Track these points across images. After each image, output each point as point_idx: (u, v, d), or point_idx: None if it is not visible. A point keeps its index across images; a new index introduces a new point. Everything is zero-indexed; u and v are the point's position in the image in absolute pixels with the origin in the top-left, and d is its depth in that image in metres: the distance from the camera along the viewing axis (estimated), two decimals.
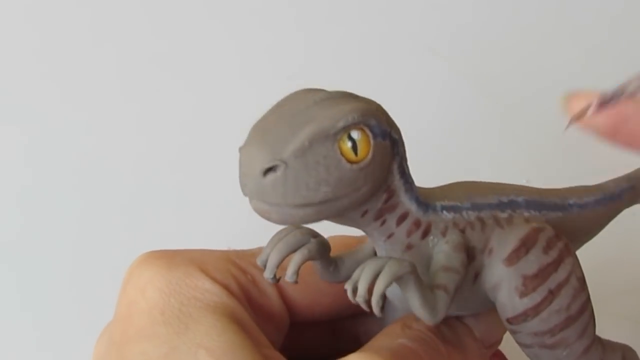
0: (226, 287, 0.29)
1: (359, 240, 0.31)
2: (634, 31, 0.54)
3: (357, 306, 0.32)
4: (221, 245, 0.32)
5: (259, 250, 0.31)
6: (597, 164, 0.37)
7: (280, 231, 0.28)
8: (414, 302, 0.26)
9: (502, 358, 0.34)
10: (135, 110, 0.51)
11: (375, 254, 0.29)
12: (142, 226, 0.46)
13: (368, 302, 0.25)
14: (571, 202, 0.31)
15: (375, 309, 0.25)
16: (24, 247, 0.46)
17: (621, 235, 0.36)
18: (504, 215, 0.29)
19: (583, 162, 0.39)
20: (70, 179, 0.48)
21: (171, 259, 0.29)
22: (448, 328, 0.30)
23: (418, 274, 0.26)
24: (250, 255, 0.31)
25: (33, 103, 0.51)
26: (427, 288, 0.26)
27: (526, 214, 0.29)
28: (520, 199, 0.30)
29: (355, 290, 0.25)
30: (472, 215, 0.28)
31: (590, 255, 0.32)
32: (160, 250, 0.30)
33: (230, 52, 0.54)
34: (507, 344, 0.32)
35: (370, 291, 0.25)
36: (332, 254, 0.29)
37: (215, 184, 0.47)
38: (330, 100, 0.26)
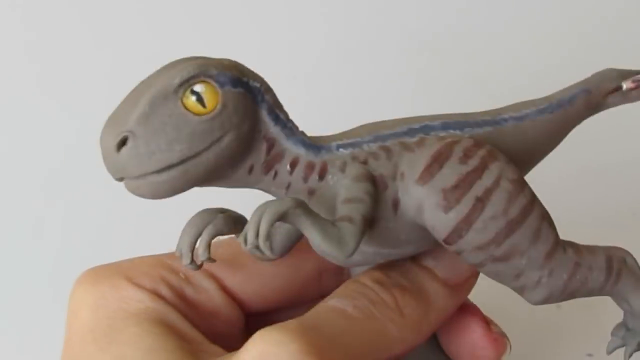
0: (154, 292, 0.29)
1: None
2: (635, 29, 0.53)
3: (323, 283, 0.31)
4: None
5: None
6: (597, 164, 0.37)
7: (190, 219, 0.28)
8: (313, 239, 0.25)
9: (477, 312, 0.32)
10: None
11: None
12: (140, 228, 0.47)
13: (258, 247, 0.25)
14: (505, 116, 0.30)
15: (264, 250, 0.25)
16: (24, 247, 0.46)
17: (621, 235, 0.36)
18: (413, 139, 0.28)
19: (583, 162, 0.39)
20: (66, 180, 0.49)
21: (98, 274, 0.29)
22: (400, 274, 0.29)
23: (308, 209, 0.25)
24: None
25: (30, 103, 0.52)
26: (325, 221, 0.25)
27: (442, 134, 0.28)
28: (436, 122, 0.28)
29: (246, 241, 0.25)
30: (373, 146, 0.28)
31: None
32: (92, 268, 0.30)
33: (229, 52, 0.53)
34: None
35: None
36: None
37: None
38: (168, 66, 0.26)
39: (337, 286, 0.30)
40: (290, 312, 0.31)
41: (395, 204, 0.27)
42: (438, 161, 0.27)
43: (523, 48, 0.54)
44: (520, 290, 0.28)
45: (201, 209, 0.28)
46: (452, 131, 0.28)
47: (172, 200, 0.24)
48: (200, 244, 0.27)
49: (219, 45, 0.54)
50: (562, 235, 0.28)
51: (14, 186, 0.49)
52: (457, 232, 0.27)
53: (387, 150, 0.28)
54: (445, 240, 0.27)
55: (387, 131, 0.28)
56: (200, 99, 0.25)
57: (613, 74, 0.31)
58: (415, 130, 0.28)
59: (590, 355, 0.39)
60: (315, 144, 0.27)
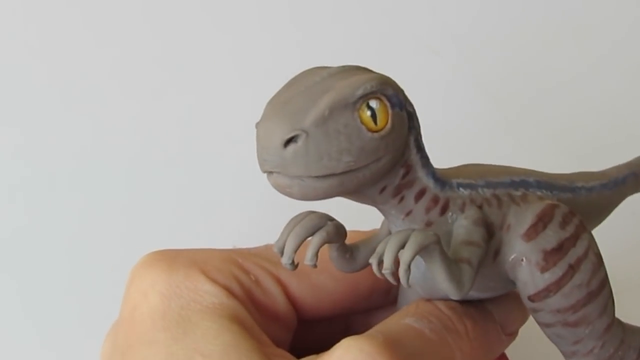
0: (227, 289, 0.29)
1: (370, 233, 0.30)
2: (638, 32, 0.54)
3: (371, 301, 0.32)
4: (227, 244, 0.32)
5: (264, 249, 0.31)
6: (597, 164, 0.37)
7: (295, 217, 0.27)
8: (440, 275, 0.26)
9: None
10: (137, 111, 0.51)
11: None
12: (146, 226, 0.46)
13: (395, 274, 0.25)
14: (579, 185, 0.31)
15: (403, 279, 0.25)
16: (26, 247, 0.46)
17: (621, 235, 0.36)
18: (517, 193, 0.29)
19: (583, 162, 0.39)
20: (72, 180, 0.48)
21: (173, 260, 0.29)
22: (470, 306, 0.30)
23: (442, 246, 0.26)
24: (254, 255, 0.31)
25: (31, 103, 0.51)
26: (452, 261, 0.26)
27: (539, 193, 0.29)
28: (531, 179, 0.30)
29: (380, 264, 0.25)
30: (487, 192, 0.28)
31: (612, 247, 0.32)
32: (163, 251, 0.30)
33: (230, 52, 0.54)
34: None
35: (397, 263, 0.25)
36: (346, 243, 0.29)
37: (220, 183, 0.48)
38: (345, 72, 0.26)
39: (384, 304, 0.32)
40: (333, 324, 0.32)
41: (496, 253, 0.28)
42: (542, 221, 0.28)
43: (525, 50, 0.53)
44: (569, 355, 0.30)
45: (308, 210, 0.28)
46: (544, 191, 0.30)
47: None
48: (310, 249, 0.27)
49: (220, 44, 0.54)
50: None
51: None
52: (546, 292, 0.28)
53: (498, 199, 0.28)
54: (530, 297, 0.28)
55: (495, 179, 0.29)
56: (374, 115, 0.25)
57: None
58: (517, 183, 0.29)
59: None
60: (441, 179, 0.28)
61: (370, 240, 0.30)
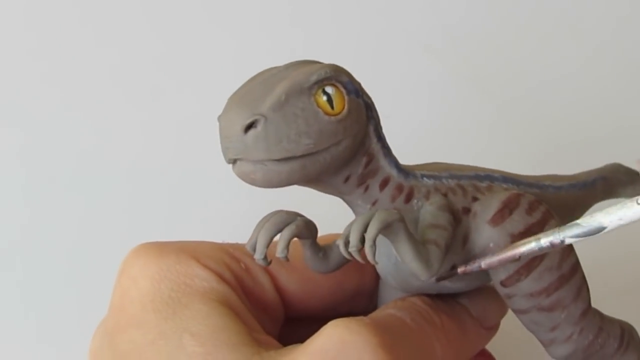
0: (218, 274, 0.29)
1: None
2: (635, 30, 0.54)
3: (355, 302, 0.32)
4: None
5: None
6: (596, 164, 0.37)
7: (265, 216, 0.28)
8: (406, 254, 0.26)
9: (490, 358, 0.34)
10: (132, 110, 0.51)
11: None
12: (140, 224, 0.46)
13: (360, 250, 0.25)
14: (546, 183, 0.32)
15: (370, 255, 0.25)
16: (28, 245, 0.46)
17: (621, 235, 0.36)
18: (482, 184, 0.30)
19: (583, 162, 0.39)
20: (67, 178, 0.48)
21: (163, 248, 0.30)
22: (444, 303, 0.31)
23: (407, 225, 0.26)
24: (244, 246, 0.31)
25: (32, 103, 0.51)
26: (417, 241, 0.27)
27: (504, 185, 0.30)
28: (496, 174, 0.31)
29: (347, 244, 0.26)
30: (451, 182, 0.29)
31: (589, 255, 0.32)
32: (153, 242, 0.30)
33: (227, 50, 0.54)
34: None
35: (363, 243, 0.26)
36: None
37: (210, 183, 0.47)
38: (300, 64, 0.27)
39: (366, 309, 0.32)
40: (315, 326, 0.31)
41: (465, 240, 0.29)
42: (508, 207, 0.29)
43: (521, 48, 0.53)
44: (548, 343, 0.30)
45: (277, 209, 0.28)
46: (510, 185, 0.31)
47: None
48: (280, 242, 0.27)
49: (217, 43, 0.54)
50: None
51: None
52: (517, 276, 0.29)
53: (463, 189, 0.29)
54: (502, 282, 0.29)
55: (460, 172, 0.30)
56: (330, 100, 0.26)
57: (622, 168, 0.35)
58: (482, 177, 0.30)
59: None
60: (404, 169, 0.29)
61: None
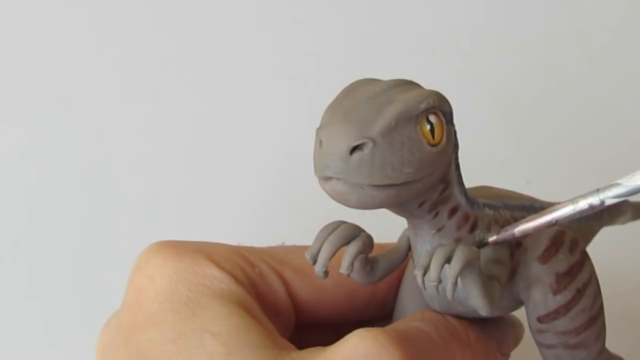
0: (234, 277, 0.29)
1: (385, 246, 0.31)
2: (638, 33, 0.54)
3: (367, 311, 0.32)
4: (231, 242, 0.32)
5: (268, 248, 0.32)
6: (596, 165, 0.37)
7: (328, 226, 0.28)
8: (475, 291, 0.26)
9: None
10: (143, 111, 0.51)
11: (407, 252, 0.30)
12: (148, 225, 0.46)
13: (440, 284, 0.25)
14: None
15: (449, 294, 0.25)
16: (34, 244, 0.46)
17: (621, 235, 0.37)
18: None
19: (583, 162, 0.39)
20: (79, 178, 0.48)
21: (180, 247, 0.30)
22: (472, 322, 0.31)
23: (479, 264, 0.26)
24: (259, 251, 0.31)
25: (38, 104, 0.51)
26: (485, 279, 0.26)
27: None
28: (537, 205, 0.31)
29: (426, 276, 0.25)
30: (507, 214, 0.29)
31: (589, 255, 0.33)
32: (169, 241, 0.30)
33: (234, 53, 0.54)
34: None
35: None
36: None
37: (223, 185, 0.48)
38: (402, 85, 0.26)
39: (378, 317, 0.32)
40: (325, 333, 0.32)
41: (513, 273, 0.29)
42: (555, 245, 0.29)
43: (525, 50, 0.54)
44: None
45: (339, 219, 0.28)
46: None
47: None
48: (346, 257, 0.27)
49: (224, 46, 0.54)
50: None
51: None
52: (555, 314, 0.29)
53: (516, 221, 0.29)
54: (540, 318, 0.29)
55: (511, 202, 0.30)
56: (432, 130, 0.25)
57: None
58: (528, 208, 0.30)
59: None
60: (470, 198, 0.28)
61: (389, 254, 0.30)
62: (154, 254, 0.29)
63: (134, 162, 0.49)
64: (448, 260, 0.25)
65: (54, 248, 0.45)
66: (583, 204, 0.26)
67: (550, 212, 0.27)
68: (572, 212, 0.26)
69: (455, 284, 0.25)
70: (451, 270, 0.25)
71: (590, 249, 0.32)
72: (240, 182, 0.47)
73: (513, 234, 0.28)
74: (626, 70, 0.52)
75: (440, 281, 0.25)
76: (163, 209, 0.47)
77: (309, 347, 0.28)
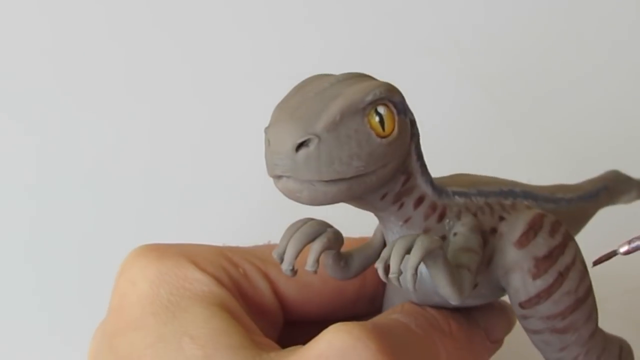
0: (217, 278, 0.29)
1: (360, 240, 0.31)
2: (638, 33, 0.54)
3: (356, 307, 0.32)
4: (217, 243, 0.32)
5: (253, 247, 0.32)
6: (596, 164, 0.37)
7: (293, 224, 0.28)
8: (441, 280, 0.26)
9: None
10: (142, 111, 0.52)
11: (383, 246, 0.29)
12: (148, 226, 0.46)
13: (400, 275, 0.25)
14: (559, 196, 0.32)
15: (410, 284, 0.25)
16: (34, 244, 0.46)
17: (621, 236, 0.36)
18: (507, 202, 0.29)
19: (582, 163, 0.39)
20: (74, 178, 0.49)
21: (163, 251, 0.30)
22: (454, 311, 0.30)
23: (445, 252, 0.26)
24: (243, 251, 0.31)
25: (41, 103, 0.52)
26: (453, 268, 0.26)
27: (525, 202, 0.30)
28: (517, 189, 0.30)
29: (387, 269, 0.25)
30: (480, 200, 0.29)
31: (589, 255, 0.32)
32: (152, 244, 0.30)
33: (236, 54, 0.54)
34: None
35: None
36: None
37: (223, 185, 0.48)
38: (351, 79, 0.26)
39: (367, 312, 0.32)
40: (315, 329, 0.31)
41: (489, 260, 0.29)
42: (533, 229, 0.29)
43: (525, 51, 0.53)
44: None
45: (306, 217, 0.28)
46: (531, 201, 0.30)
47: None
48: (311, 255, 0.27)
49: (226, 46, 0.54)
50: None
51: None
52: (537, 299, 0.29)
53: (490, 208, 0.29)
54: (521, 304, 0.29)
55: (486, 188, 0.29)
56: (381, 121, 0.25)
57: (621, 177, 0.36)
58: (506, 193, 0.30)
59: None
60: (438, 187, 0.28)
61: (364, 248, 0.30)
62: (137, 258, 0.29)
63: (133, 162, 0.49)
64: (409, 251, 0.25)
65: (54, 248, 0.46)
66: None
67: None
68: None
69: (415, 274, 0.25)
70: (410, 261, 0.25)
71: (590, 249, 0.32)
72: (240, 182, 0.48)
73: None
74: (626, 69, 0.52)
75: (401, 272, 0.25)
76: (162, 209, 0.47)
77: (301, 344, 0.28)
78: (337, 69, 0.51)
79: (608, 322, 0.32)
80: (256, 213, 0.44)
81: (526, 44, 0.54)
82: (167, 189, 0.48)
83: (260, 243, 0.32)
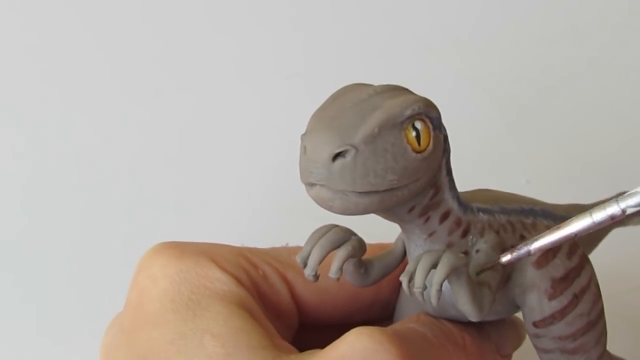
0: (236, 278, 0.29)
1: (380, 247, 0.31)
2: (636, 32, 0.54)
3: (371, 311, 0.33)
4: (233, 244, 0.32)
5: (271, 249, 0.32)
6: (596, 164, 0.37)
7: (319, 229, 0.28)
8: (463, 297, 0.26)
9: None
10: (142, 111, 0.51)
11: (403, 255, 0.30)
12: (148, 225, 0.46)
13: (425, 291, 0.25)
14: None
15: (434, 300, 0.25)
16: (32, 244, 0.46)
17: (621, 236, 0.36)
18: (528, 220, 0.30)
19: (582, 163, 0.39)
20: (78, 178, 0.49)
21: (183, 249, 0.30)
22: (469, 325, 0.31)
23: (468, 270, 0.26)
24: (262, 252, 0.31)
25: (34, 104, 0.51)
26: (474, 285, 0.27)
27: (545, 222, 0.30)
28: (537, 208, 0.30)
29: (411, 282, 0.26)
30: (503, 218, 0.29)
31: (589, 255, 0.33)
32: (171, 242, 0.30)
33: (230, 52, 0.54)
34: None
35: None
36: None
37: (224, 185, 0.48)
38: (390, 91, 0.26)
39: (381, 317, 0.32)
40: (328, 333, 0.31)
41: (507, 278, 0.29)
42: (552, 250, 0.29)
43: (524, 50, 0.54)
44: None
45: (331, 224, 0.28)
46: (550, 221, 0.30)
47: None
48: (335, 262, 0.27)
49: (220, 45, 0.54)
50: None
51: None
52: (551, 319, 0.29)
53: (512, 226, 0.29)
54: (535, 323, 0.29)
55: (508, 206, 0.30)
56: (418, 136, 0.25)
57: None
58: (527, 211, 0.30)
59: None
60: (464, 202, 0.28)
61: (384, 257, 0.30)
62: (157, 255, 0.30)
63: (133, 163, 0.49)
64: (434, 266, 0.25)
65: (53, 248, 0.45)
66: (602, 216, 0.26)
67: (567, 225, 0.26)
68: (591, 224, 0.26)
69: (440, 290, 0.25)
70: (435, 277, 0.25)
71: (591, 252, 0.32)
72: (240, 182, 0.48)
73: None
74: (626, 69, 0.52)
75: (425, 287, 0.25)
76: (163, 209, 0.47)
77: (313, 348, 0.28)
78: (337, 69, 0.51)
79: (608, 322, 0.31)
80: (257, 213, 0.44)
81: (526, 43, 0.54)
82: (167, 188, 0.48)
83: (261, 243, 0.33)
